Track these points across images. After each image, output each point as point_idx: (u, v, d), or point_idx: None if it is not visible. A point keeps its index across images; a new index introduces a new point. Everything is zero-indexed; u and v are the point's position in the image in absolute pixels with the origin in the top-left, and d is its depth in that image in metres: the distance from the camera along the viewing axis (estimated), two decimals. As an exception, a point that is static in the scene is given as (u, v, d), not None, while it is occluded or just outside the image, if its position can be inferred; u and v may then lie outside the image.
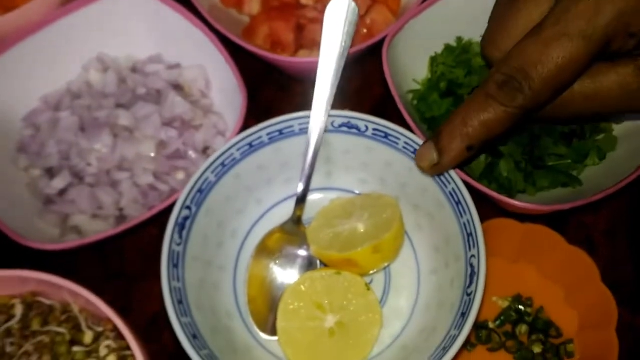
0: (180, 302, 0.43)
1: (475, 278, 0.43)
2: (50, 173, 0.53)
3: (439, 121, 0.54)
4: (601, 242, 0.54)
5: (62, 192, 0.52)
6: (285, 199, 0.53)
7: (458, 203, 0.45)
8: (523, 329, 0.50)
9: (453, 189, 0.46)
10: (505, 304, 0.52)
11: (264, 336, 0.48)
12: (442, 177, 0.46)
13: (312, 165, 0.49)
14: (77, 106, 0.54)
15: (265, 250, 0.50)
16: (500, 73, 0.38)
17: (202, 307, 0.45)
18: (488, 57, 0.44)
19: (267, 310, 0.49)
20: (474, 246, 0.44)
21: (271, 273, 0.49)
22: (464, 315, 0.42)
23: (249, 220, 0.52)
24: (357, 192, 0.53)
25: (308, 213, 0.51)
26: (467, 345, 0.50)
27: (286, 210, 0.51)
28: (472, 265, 0.43)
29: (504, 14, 0.42)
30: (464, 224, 0.45)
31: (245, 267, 0.50)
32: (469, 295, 0.43)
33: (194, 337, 0.42)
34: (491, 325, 0.51)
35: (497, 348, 0.50)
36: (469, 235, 0.44)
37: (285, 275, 0.49)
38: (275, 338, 0.47)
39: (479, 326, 0.51)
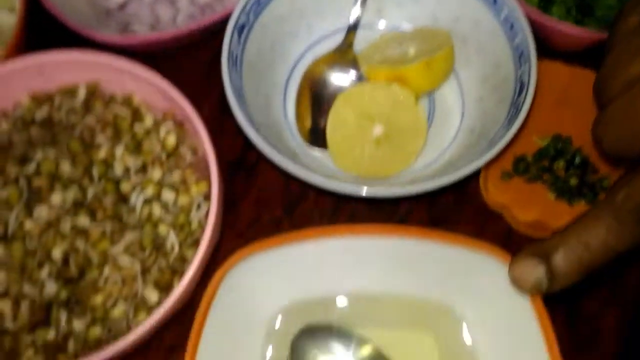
0: (238, 93, 0.45)
1: (524, 90, 0.44)
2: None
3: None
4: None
5: (122, 7, 0.53)
6: (335, 32, 0.54)
7: (512, 27, 0.46)
8: (560, 164, 0.52)
9: (507, 14, 0.47)
10: (544, 142, 0.53)
11: (311, 150, 0.50)
12: (497, 4, 0.47)
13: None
14: None
15: (316, 70, 0.51)
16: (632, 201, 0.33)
17: (257, 109, 0.47)
18: (596, 99, 0.39)
19: (315, 125, 0.50)
20: (524, 63, 0.45)
21: (320, 91, 0.51)
22: (510, 122, 0.43)
23: (299, 47, 0.53)
24: (407, 28, 0.54)
25: (358, 47, 0.53)
26: (505, 175, 0.52)
27: (336, 43, 0.53)
28: (522, 81, 0.45)
29: (619, 53, 0.36)
30: (517, 46, 0.46)
31: (295, 88, 0.52)
32: (515, 105, 0.44)
33: (250, 120, 0.44)
34: (529, 159, 0.52)
35: (533, 179, 0.52)
36: (521, 54, 0.45)
37: (336, 92, 0.50)
38: (318, 149, 0.49)
39: (518, 159, 0.52)
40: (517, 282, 0.37)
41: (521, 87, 0.45)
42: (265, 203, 0.51)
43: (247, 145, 0.53)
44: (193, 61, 0.56)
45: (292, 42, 0.53)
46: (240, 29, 0.47)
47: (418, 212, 0.50)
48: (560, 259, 0.35)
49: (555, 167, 0.52)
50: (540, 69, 0.51)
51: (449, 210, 0.50)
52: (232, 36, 0.46)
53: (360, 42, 0.53)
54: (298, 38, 0.53)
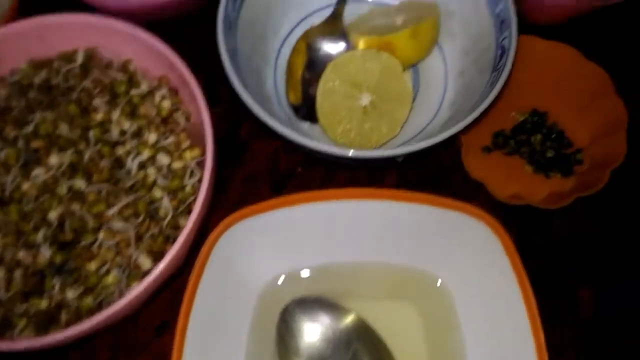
0: (233, 57, 0.46)
1: (505, 55, 0.46)
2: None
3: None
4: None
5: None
6: (324, 7, 0.55)
7: (494, -5, 0.49)
8: (537, 138, 0.54)
9: (490, -17, 0.49)
10: (522, 117, 0.56)
11: (301, 123, 0.52)
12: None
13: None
14: None
15: (306, 41, 0.53)
16: None
17: (251, 78, 0.49)
18: None
19: (304, 97, 0.52)
20: (506, 29, 0.47)
21: (310, 61, 0.53)
22: (492, 85, 0.45)
23: (290, 21, 0.55)
24: (394, 2, 0.55)
25: (346, 20, 0.54)
26: (485, 149, 0.54)
27: (325, 18, 0.54)
28: (502, 47, 0.47)
29: None
30: (498, 14, 0.48)
31: (285, 62, 0.53)
32: (497, 70, 0.46)
33: (245, 85, 0.45)
34: (508, 134, 0.55)
35: (512, 152, 0.54)
36: (502, 21, 0.48)
37: (326, 61, 0.52)
38: (308, 126, 0.51)
39: (496, 134, 0.55)
40: None
41: (502, 52, 0.47)
42: (254, 182, 0.53)
43: (236, 124, 0.54)
44: (188, 33, 0.56)
45: (283, 15, 0.54)
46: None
47: (405, 185, 0.52)
48: None
49: (532, 140, 0.54)
50: (518, 44, 0.54)
51: (432, 185, 0.52)
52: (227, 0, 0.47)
53: (350, 15, 0.54)
54: (289, 12, 0.54)
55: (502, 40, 0.47)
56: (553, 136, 0.54)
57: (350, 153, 0.43)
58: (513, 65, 0.46)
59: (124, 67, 0.47)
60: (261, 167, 0.53)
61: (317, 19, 0.54)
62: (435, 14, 0.51)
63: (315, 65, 0.52)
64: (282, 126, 0.43)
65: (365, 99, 0.50)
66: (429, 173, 0.53)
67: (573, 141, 0.55)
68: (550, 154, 0.54)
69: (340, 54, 0.52)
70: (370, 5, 0.56)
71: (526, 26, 0.54)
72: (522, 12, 0.54)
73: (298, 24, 0.55)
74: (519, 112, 0.56)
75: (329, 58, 0.52)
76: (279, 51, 0.54)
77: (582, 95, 0.55)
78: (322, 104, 0.50)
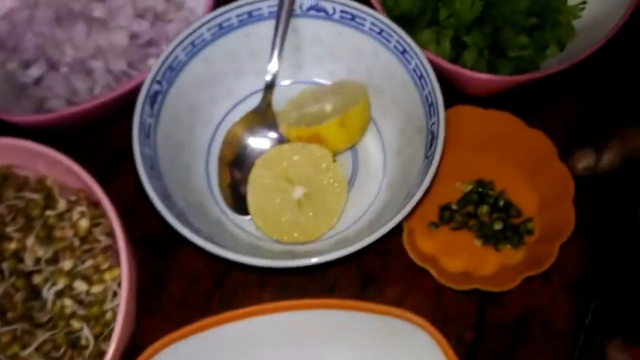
0: (152, 168, 0.44)
1: (434, 141, 0.44)
2: (27, 66, 0.54)
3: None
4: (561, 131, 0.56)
5: (38, 81, 0.53)
6: (256, 92, 0.54)
7: (420, 77, 0.47)
8: (484, 209, 0.52)
9: (416, 64, 0.47)
10: (467, 188, 0.54)
11: (235, 215, 0.50)
12: (407, 54, 0.48)
13: (281, 42, 0.50)
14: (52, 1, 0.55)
15: (236, 134, 0.51)
16: None
17: (175, 181, 0.47)
18: None
19: (237, 191, 0.50)
20: (434, 114, 0.45)
21: (241, 155, 0.51)
22: (423, 175, 0.44)
23: (220, 110, 0.53)
24: (326, 82, 0.54)
25: (278, 104, 0.53)
26: (432, 225, 0.52)
27: (256, 104, 0.53)
28: (432, 132, 0.45)
29: None
30: (426, 96, 0.47)
31: (217, 153, 0.52)
32: (428, 157, 0.45)
33: (165, 197, 0.43)
34: (454, 207, 0.53)
35: (459, 227, 0.52)
36: (430, 105, 0.46)
37: (255, 156, 0.50)
38: (246, 217, 0.49)
39: (442, 208, 0.53)
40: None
41: (432, 139, 0.45)
42: (194, 278, 0.51)
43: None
44: (113, 134, 0.54)
45: (212, 106, 0.53)
46: (153, 97, 0.47)
47: (347, 276, 0.50)
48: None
49: (479, 212, 0.53)
50: (457, 114, 0.52)
51: (378, 270, 0.50)
52: (143, 106, 0.46)
53: (282, 98, 0.53)
54: (218, 102, 0.53)
55: (432, 125, 0.46)
56: (500, 205, 0.53)
57: (274, 264, 0.41)
58: (444, 147, 0.44)
59: (41, 182, 0.45)
60: (200, 262, 0.51)
61: (249, 105, 0.53)
62: (363, 98, 0.49)
63: (245, 158, 0.50)
64: (203, 241, 0.41)
65: (298, 192, 0.48)
66: (374, 259, 0.51)
67: (521, 210, 0.53)
68: (498, 225, 0.52)
69: (272, 144, 0.51)
70: (302, 86, 0.54)
71: (464, 95, 0.53)
72: (457, 86, 0.52)
73: (229, 112, 0.53)
74: (464, 182, 0.54)
75: (259, 150, 0.50)
76: (211, 143, 0.52)
77: (527, 162, 0.53)
78: (254, 200, 0.48)
